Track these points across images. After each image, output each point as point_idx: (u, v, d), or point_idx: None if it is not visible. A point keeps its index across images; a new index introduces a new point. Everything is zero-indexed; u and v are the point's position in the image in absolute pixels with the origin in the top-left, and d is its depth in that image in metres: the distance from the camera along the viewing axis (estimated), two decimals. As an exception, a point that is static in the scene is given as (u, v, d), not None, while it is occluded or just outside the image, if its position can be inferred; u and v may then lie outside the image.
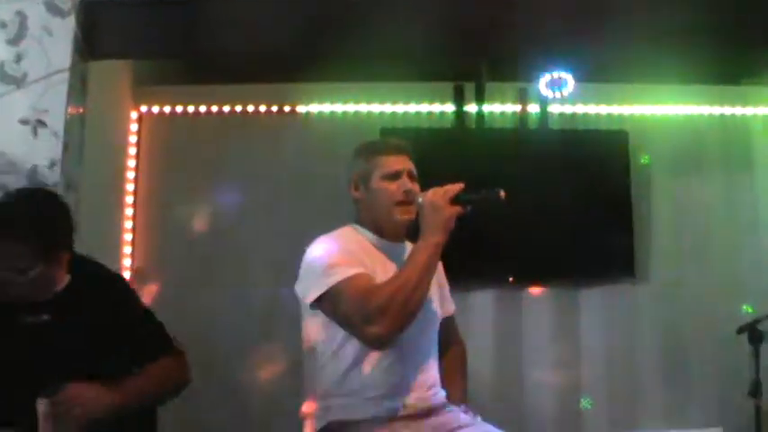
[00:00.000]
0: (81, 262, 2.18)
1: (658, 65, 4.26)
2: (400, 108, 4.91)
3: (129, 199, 4.74)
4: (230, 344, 4.52)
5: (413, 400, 2.17)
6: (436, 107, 4.92)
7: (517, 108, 4.91)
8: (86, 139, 3.40)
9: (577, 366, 4.63)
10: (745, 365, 3.65)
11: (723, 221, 4.76)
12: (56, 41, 3.13)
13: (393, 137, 3.49)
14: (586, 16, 3.48)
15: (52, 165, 3.05)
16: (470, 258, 4.16)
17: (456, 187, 2.12)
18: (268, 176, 4.77)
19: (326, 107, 4.90)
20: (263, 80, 4.77)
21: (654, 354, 4.62)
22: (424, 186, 2.20)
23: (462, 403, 2.33)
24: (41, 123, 3.07)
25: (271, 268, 4.54)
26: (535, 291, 4.72)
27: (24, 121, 3.07)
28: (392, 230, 2.28)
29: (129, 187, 4.75)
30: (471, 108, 4.87)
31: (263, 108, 4.89)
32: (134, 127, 4.84)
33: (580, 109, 4.91)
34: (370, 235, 2.29)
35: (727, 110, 4.92)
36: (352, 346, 2.13)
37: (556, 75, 4.49)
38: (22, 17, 3.13)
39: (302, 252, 2.26)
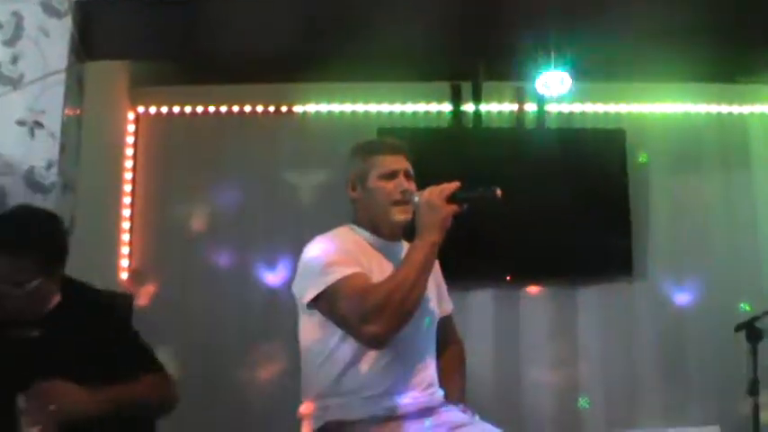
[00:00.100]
0: (71, 284, 2.23)
1: (656, 63, 4.26)
2: (397, 108, 4.91)
3: (127, 199, 4.74)
4: (228, 344, 4.53)
5: (410, 399, 2.16)
6: (433, 107, 4.92)
7: (514, 107, 4.92)
8: (83, 139, 3.40)
9: (575, 365, 4.64)
10: (743, 364, 3.65)
11: (721, 219, 4.77)
12: (52, 42, 3.13)
13: (390, 136, 3.49)
14: (583, 15, 3.48)
15: (49, 166, 3.05)
16: (468, 257, 4.16)
17: (452, 186, 2.12)
18: (265, 176, 4.77)
19: (324, 107, 4.90)
20: (260, 80, 4.76)
21: (651, 352, 4.63)
22: (422, 186, 2.20)
23: (460, 402, 2.33)
24: (38, 124, 3.07)
25: (268, 268, 4.54)
26: (533, 290, 4.73)
27: (21, 123, 3.07)
28: (389, 230, 2.28)
29: (127, 188, 4.75)
30: (468, 107, 4.87)
31: (260, 108, 4.89)
32: (131, 127, 4.85)
33: (577, 108, 4.92)
34: (367, 234, 2.29)
35: (725, 108, 4.93)
36: (349, 346, 2.13)
37: (553, 73, 4.48)
38: (18, 18, 3.13)
39: (299, 252, 2.26)
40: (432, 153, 3.70)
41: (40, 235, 2.10)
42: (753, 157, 4.86)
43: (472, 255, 4.29)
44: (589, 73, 4.59)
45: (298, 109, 4.90)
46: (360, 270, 2.12)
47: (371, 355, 2.13)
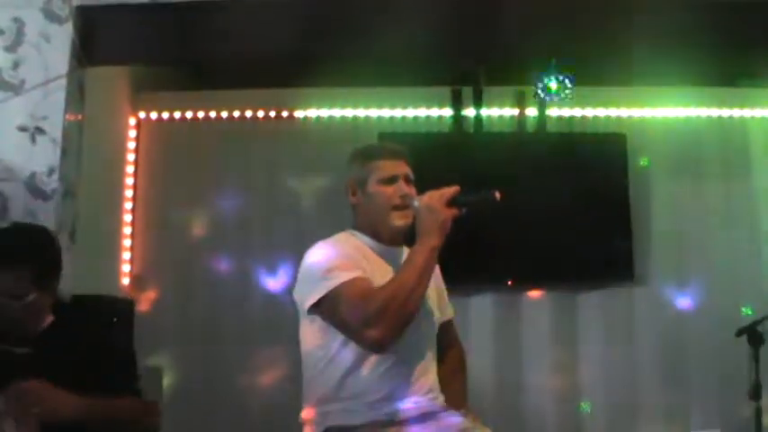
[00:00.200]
0: (64, 306, 2.27)
1: (656, 67, 4.26)
2: (398, 113, 4.92)
3: (128, 205, 4.75)
4: (229, 349, 4.53)
5: (411, 404, 2.16)
6: (434, 111, 4.93)
7: (515, 112, 4.92)
8: (85, 145, 3.40)
9: (576, 370, 4.63)
10: (745, 368, 3.65)
11: (722, 223, 4.76)
12: (53, 48, 3.13)
13: (391, 141, 3.49)
14: (584, 19, 3.48)
15: (51, 171, 3.05)
16: (469, 262, 4.17)
17: (451, 190, 2.12)
18: (266, 182, 4.78)
19: (324, 112, 4.90)
20: (260, 85, 4.78)
21: (653, 356, 4.62)
22: (422, 191, 2.21)
23: (462, 407, 2.33)
24: (40, 130, 3.07)
25: (269, 273, 4.54)
26: (534, 294, 4.72)
27: (23, 128, 3.07)
28: (389, 235, 2.28)
29: (128, 193, 4.76)
30: (469, 112, 4.88)
31: (260, 113, 4.90)
32: (132, 133, 4.85)
33: (578, 112, 4.92)
34: (367, 240, 2.29)
35: (725, 112, 4.93)
36: (350, 351, 2.13)
37: (553, 78, 4.49)
38: (19, 24, 3.13)
39: (300, 257, 2.26)
40: (433, 158, 3.70)
41: (37, 248, 2.15)
42: (753, 160, 4.86)
43: (473, 260, 4.30)
44: (590, 77, 4.59)
45: (298, 114, 4.91)
46: (361, 274, 2.12)
47: (372, 360, 2.13)
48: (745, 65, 4.45)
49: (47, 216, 2.97)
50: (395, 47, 3.65)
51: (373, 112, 4.92)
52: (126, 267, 4.69)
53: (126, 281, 4.68)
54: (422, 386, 2.21)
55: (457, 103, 4.89)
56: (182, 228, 4.73)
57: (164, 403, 4.18)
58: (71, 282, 3.13)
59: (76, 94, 3.28)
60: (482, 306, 4.67)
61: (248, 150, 4.83)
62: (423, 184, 2.24)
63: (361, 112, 4.92)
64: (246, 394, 4.46)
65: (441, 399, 2.28)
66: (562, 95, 4.52)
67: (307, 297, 2.16)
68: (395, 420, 2.13)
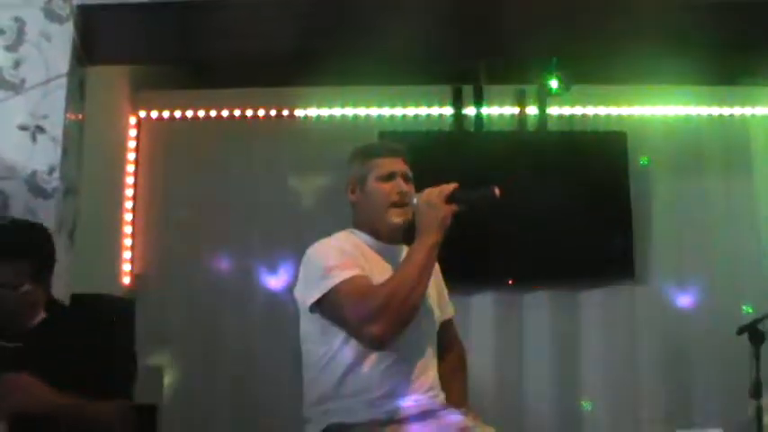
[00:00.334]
0: (56, 305, 2.32)
1: (657, 66, 4.26)
2: (399, 111, 4.92)
3: (129, 204, 4.75)
4: (231, 348, 4.54)
5: (412, 402, 2.17)
6: (435, 110, 4.93)
7: (516, 110, 4.92)
8: (85, 144, 3.40)
9: (577, 368, 4.63)
10: (746, 366, 3.64)
11: (722, 222, 4.76)
12: (54, 47, 3.13)
13: (391, 140, 3.50)
14: (585, 18, 3.48)
15: (51, 170, 3.05)
16: (470, 261, 4.18)
17: (450, 186, 2.14)
18: (267, 180, 4.78)
19: (325, 111, 4.91)
20: (261, 84, 4.77)
21: (654, 355, 4.62)
22: (423, 190, 2.21)
23: (462, 406, 2.33)
24: (40, 129, 3.07)
25: (270, 272, 4.55)
26: (534, 293, 4.72)
27: (23, 127, 3.07)
28: (388, 232, 2.29)
29: (129, 192, 4.76)
30: (470, 111, 4.88)
31: (261, 112, 4.90)
32: (133, 132, 4.85)
33: (578, 110, 4.92)
34: (367, 238, 2.30)
35: (726, 110, 4.93)
36: (351, 349, 2.14)
37: (554, 76, 4.49)
38: (20, 23, 3.13)
39: (301, 255, 2.26)
40: (433, 156, 3.71)
41: (33, 242, 2.24)
42: (754, 159, 4.86)
43: (474, 258, 4.31)
44: (590, 75, 4.60)
45: (299, 113, 4.91)
46: (361, 272, 2.13)
47: (373, 357, 2.14)
48: (745, 63, 4.45)
49: (47, 215, 2.96)
50: (395, 45, 3.65)
51: (374, 111, 4.92)
52: (127, 266, 4.70)
53: (127, 280, 4.68)
54: (422, 384, 2.22)
55: (457, 102, 4.89)
56: (182, 227, 4.72)
57: (164, 402, 4.19)
58: (71, 280, 3.15)
59: (77, 94, 3.28)
60: (482, 305, 4.67)
61: (249, 149, 4.83)
62: (423, 183, 2.25)
63: (361, 111, 4.92)
64: (247, 393, 4.46)
65: (441, 397, 2.29)
66: (562, 94, 4.53)
67: (307, 295, 2.17)
68: (395, 418, 2.13)
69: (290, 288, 2.32)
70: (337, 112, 4.91)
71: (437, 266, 2.30)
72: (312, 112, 4.91)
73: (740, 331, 3.66)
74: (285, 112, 4.91)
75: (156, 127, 4.90)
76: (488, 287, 4.70)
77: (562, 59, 4.41)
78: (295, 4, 3.31)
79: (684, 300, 4.67)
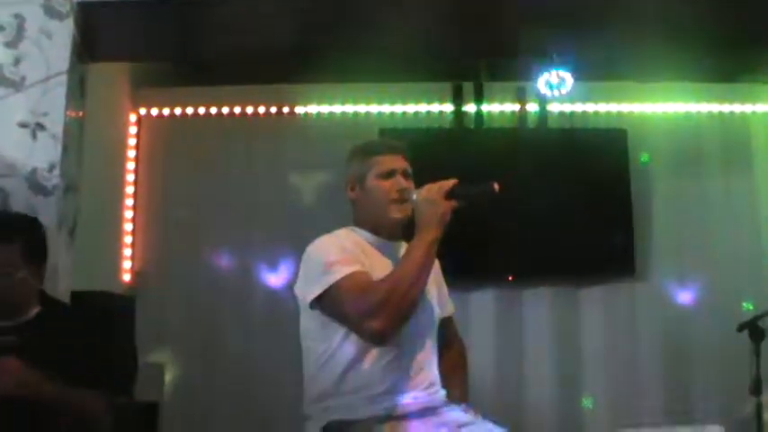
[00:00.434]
0: (51, 301, 2.37)
1: (657, 63, 4.26)
2: (399, 108, 4.92)
3: (129, 201, 4.75)
4: (230, 344, 4.54)
5: (411, 398, 2.17)
6: (435, 107, 4.93)
7: (516, 107, 4.93)
8: (85, 141, 3.40)
9: (578, 365, 4.64)
10: (746, 363, 3.64)
11: (723, 218, 4.76)
12: (54, 44, 3.13)
13: (391, 137, 3.50)
14: (585, 14, 3.47)
15: (52, 168, 3.05)
16: (470, 258, 4.18)
17: (450, 182, 2.14)
18: (267, 177, 4.78)
19: (325, 108, 4.91)
20: (261, 81, 4.78)
21: (654, 352, 4.63)
22: (421, 186, 2.21)
23: (463, 402, 2.33)
24: (40, 126, 3.07)
25: (270, 268, 4.55)
26: (535, 290, 4.72)
27: (23, 125, 3.07)
28: (388, 229, 2.30)
29: (129, 189, 4.76)
30: (470, 108, 4.88)
31: (262, 109, 4.90)
32: (133, 129, 4.85)
33: (579, 107, 4.93)
34: (366, 235, 2.31)
35: (726, 107, 4.94)
36: (351, 345, 2.14)
37: (554, 73, 4.49)
38: (20, 20, 3.13)
39: (301, 252, 2.27)
40: (433, 153, 3.71)
41: (27, 230, 2.32)
42: (755, 156, 4.86)
43: (474, 255, 4.31)
44: (591, 73, 4.59)
45: (299, 110, 4.91)
46: (361, 268, 2.13)
47: (373, 354, 2.14)
48: (745, 60, 4.45)
49: (48, 212, 2.96)
50: (396, 42, 3.65)
51: (374, 108, 4.92)
52: (127, 264, 4.70)
53: (127, 277, 4.68)
54: (422, 380, 2.22)
55: (458, 99, 4.89)
56: (183, 224, 4.73)
57: (165, 399, 4.20)
58: (71, 277, 3.15)
59: (77, 91, 3.28)
60: (483, 301, 4.68)
61: (249, 146, 4.83)
62: (423, 180, 2.25)
63: (361, 108, 4.92)
64: (247, 390, 4.47)
65: (441, 393, 2.29)
66: (563, 91, 4.53)
67: (308, 292, 2.17)
68: (396, 415, 2.13)
69: (289, 285, 2.32)
70: (338, 109, 4.91)
71: (437, 264, 2.30)
72: (312, 109, 4.91)
73: (740, 328, 3.66)
74: (285, 109, 4.91)
75: (156, 124, 4.90)
76: (488, 283, 4.70)
77: (562, 56, 4.40)
78: (295, 2, 3.31)
79: (685, 296, 4.68)
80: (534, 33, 3.67)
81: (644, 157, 4.83)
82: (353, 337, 2.13)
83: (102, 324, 2.51)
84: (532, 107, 4.90)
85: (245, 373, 4.49)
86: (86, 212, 3.43)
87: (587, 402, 4.56)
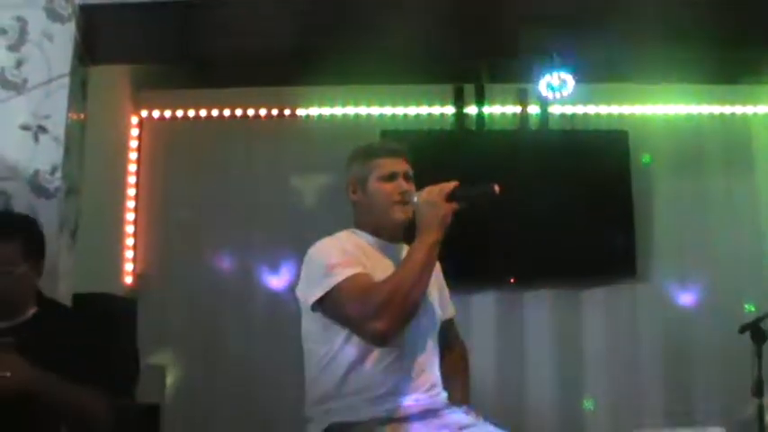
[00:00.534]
0: (48, 300, 2.37)
1: (658, 64, 4.27)
2: (400, 110, 4.92)
3: (131, 203, 4.76)
4: (232, 346, 4.54)
5: (413, 400, 2.17)
6: (436, 109, 4.93)
7: (517, 109, 4.93)
8: (87, 144, 3.41)
9: (579, 366, 4.63)
10: (748, 365, 3.64)
11: (724, 220, 4.76)
12: (56, 47, 3.13)
13: (393, 139, 3.50)
14: (586, 16, 3.48)
15: (54, 170, 3.05)
16: (471, 260, 4.18)
17: (451, 185, 2.14)
18: (269, 179, 4.78)
19: (326, 110, 4.91)
20: (262, 83, 4.78)
21: (656, 353, 4.63)
22: (422, 188, 2.22)
23: (464, 404, 2.33)
24: (42, 129, 3.07)
25: (272, 271, 4.55)
26: (536, 291, 4.72)
27: (25, 127, 3.07)
28: (390, 231, 2.30)
29: (131, 192, 4.76)
30: (471, 110, 4.88)
31: (263, 111, 4.90)
32: (135, 131, 4.86)
33: (580, 109, 4.93)
34: (368, 237, 2.31)
35: (728, 109, 4.94)
36: (353, 348, 2.14)
37: (556, 75, 4.49)
38: (22, 23, 3.13)
39: (303, 255, 2.27)
40: (435, 155, 3.72)
41: (24, 226, 2.35)
42: (756, 157, 4.86)
43: (476, 257, 4.31)
44: (592, 74, 4.60)
45: (301, 112, 4.92)
46: (362, 270, 2.14)
47: (374, 356, 2.14)
48: (746, 62, 4.45)
49: (49, 214, 2.96)
50: (397, 44, 3.65)
51: (375, 110, 4.93)
52: (128, 266, 4.70)
53: (128, 279, 4.68)
54: (424, 382, 2.22)
55: (459, 101, 4.89)
56: (184, 226, 4.73)
57: (166, 402, 4.20)
58: (73, 280, 3.15)
59: (79, 93, 3.28)
60: (484, 303, 4.68)
61: (250, 148, 4.83)
62: (425, 182, 2.25)
63: (363, 110, 4.92)
64: (249, 392, 4.47)
65: (443, 395, 2.29)
66: (564, 93, 4.53)
67: (310, 294, 2.18)
68: (397, 417, 2.13)
69: (291, 287, 2.33)
70: (339, 111, 4.92)
71: (438, 266, 2.31)
72: (314, 111, 4.92)
73: (742, 330, 3.66)
74: (287, 112, 4.91)
75: (157, 126, 4.91)
76: (490, 286, 4.70)
77: (563, 58, 4.40)
78: (296, 4, 3.32)
79: (686, 298, 4.68)
80: (535, 35, 3.67)
81: (645, 159, 4.83)
82: (355, 340, 2.14)
83: (100, 324, 2.52)
84: (534, 109, 4.90)
85: (247, 375, 4.49)
86: (88, 215, 3.44)
87: (588, 404, 4.56)
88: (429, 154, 3.22)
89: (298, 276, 2.28)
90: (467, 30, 3.64)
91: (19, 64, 3.11)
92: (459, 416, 2.24)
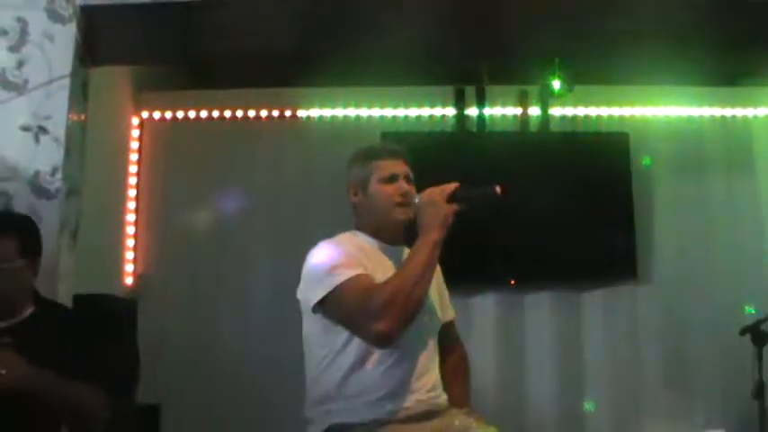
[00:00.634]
0: (45, 300, 2.38)
1: (659, 66, 4.26)
2: (401, 112, 4.92)
3: (132, 204, 4.76)
4: (233, 348, 4.53)
5: (413, 402, 2.17)
6: (437, 111, 4.93)
7: (518, 111, 4.92)
8: (88, 145, 3.41)
9: (579, 369, 4.63)
10: (749, 367, 3.64)
11: (725, 222, 4.76)
12: (57, 48, 3.13)
13: (393, 141, 3.50)
14: (587, 18, 3.48)
15: (54, 171, 3.05)
16: (472, 262, 4.18)
17: (452, 186, 2.15)
18: (269, 181, 4.78)
19: (327, 112, 4.91)
20: (264, 85, 4.78)
21: (656, 356, 4.62)
22: (423, 189, 2.22)
23: (464, 406, 2.33)
24: (43, 130, 3.08)
25: (273, 272, 4.55)
26: (537, 293, 4.72)
27: (26, 128, 3.07)
28: (391, 233, 2.31)
29: (131, 193, 4.76)
30: (472, 111, 4.88)
31: (264, 113, 4.90)
32: (135, 133, 4.86)
33: (581, 111, 4.92)
34: (369, 239, 2.31)
35: (728, 111, 4.93)
36: (353, 349, 2.15)
37: (556, 77, 4.49)
38: (23, 24, 3.13)
39: (303, 257, 2.27)
40: (435, 157, 3.72)
41: (19, 223, 2.37)
42: (756, 159, 4.86)
43: (476, 259, 4.31)
44: (592, 76, 4.60)
45: (301, 113, 4.92)
46: (364, 272, 2.13)
47: (375, 358, 2.14)
48: (747, 64, 4.46)
49: (50, 215, 2.97)
50: (397, 46, 3.65)
51: (376, 112, 4.92)
52: (129, 267, 4.70)
53: (129, 280, 4.68)
54: (424, 384, 2.22)
55: (460, 103, 4.89)
56: (185, 227, 4.73)
57: (166, 403, 4.19)
58: (74, 281, 3.15)
59: (80, 94, 3.28)
60: (484, 306, 4.67)
61: (251, 150, 4.83)
62: (426, 184, 2.25)
63: (363, 112, 4.92)
64: (249, 393, 4.46)
65: (443, 397, 2.29)
66: (565, 95, 4.54)
67: (311, 296, 2.18)
68: (397, 418, 2.13)
69: (291, 289, 2.32)
70: (339, 112, 4.92)
71: (438, 269, 2.31)
72: (314, 112, 4.91)
73: (743, 332, 3.66)
74: (287, 113, 4.91)
75: (158, 127, 4.91)
76: (490, 288, 4.70)
77: (564, 60, 4.40)
78: (297, 5, 3.32)
79: (686, 300, 4.67)
80: (535, 37, 3.67)
81: (646, 161, 4.82)
82: (355, 341, 2.14)
83: (100, 325, 2.52)
84: (534, 111, 4.90)
85: (247, 376, 4.48)
86: (89, 216, 3.44)
87: (589, 406, 4.55)
88: (430, 156, 3.22)
89: (298, 278, 2.28)
90: (467, 31, 3.64)
91: (20, 65, 3.11)
92: (460, 417, 2.24)
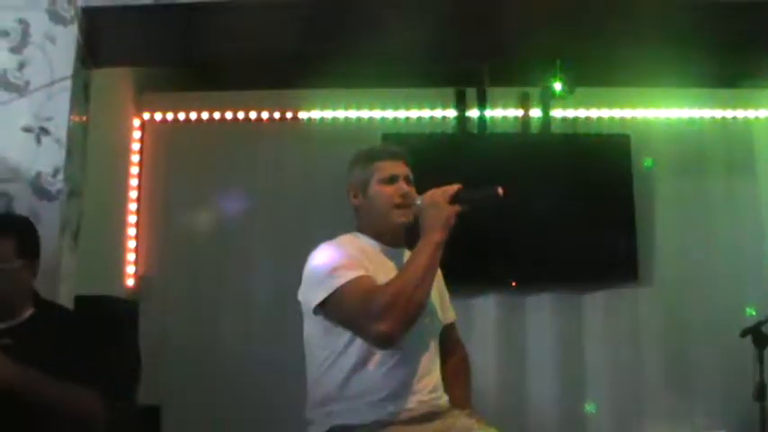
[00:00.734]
0: (44, 302, 2.37)
1: (660, 68, 4.26)
2: (402, 114, 4.93)
3: (133, 206, 4.76)
4: (234, 350, 4.54)
5: (414, 403, 2.17)
6: (438, 112, 4.93)
7: (519, 113, 4.93)
8: (89, 146, 3.41)
9: (580, 370, 4.63)
10: (750, 369, 3.64)
11: (726, 224, 4.76)
12: (58, 49, 3.13)
13: (394, 143, 3.51)
14: (587, 20, 3.48)
15: (56, 172, 3.05)
16: (473, 263, 4.18)
17: (454, 187, 2.15)
18: (270, 182, 4.79)
19: (328, 113, 4.91)
20: (265, 86, 4.78)
21: (657, 357, 4.62)
22: (424, 191, 2.22)
23: (466, 407, 2.33)
24: (44, 131, 3.08)
25: (274, 273, 4.55)
26: (538, 295, 4.72)
27: (27, 129, 3.07)
28: (391, 235, 2.31)
29: (133, 194, 4.77)
30: (473, 113, 4.88)
31: (265, 114, 4.91)
32: (137, 134, 4.86)
33: (582, 113, 4.93)
34: (370, 241, 2.31)
35: (729, 113, 4.94)
36: (354, 351, 2.15)
37: (557, 78, 4.50)
38: (24, 25, 3.14)
39: (305, 258, 2.27)
40: (436, 159, 3.72)
41: (17, 224, 2.38)
42: (757, 161, 4.86)
43: (477, 261, 4.31)
44: (594, 78, 4.60)
45: (302, 115, 4.92)
46: (365, 273, 2.13)
47: (376, 359, 2.14)
48: (747, 66, 4.45)
49: (51, 217, 2.97)
50: (398, 48, 3.65)
51: (377, 113, 4.93)
52: (130, 268, 4.70)
53: (131, 282, 4.69)
54: (425, 385, 2.22)
55: (461, 104, 4.89)
56: (186, 229, 4.74)
57: (167, 404, 4.19)
58: (75, 282, 3.15)
59: (81, 96, 3.29)
60: (486, 307, 4.67)
61: (252, 151, 4.84)
62: (427, 186, 2.25)
63: (364, 114, 4.93)
64: (250, 394, 4.46)
65: (444, 398, 2.29)
66: (566, 97, 4.53)
67: (312, 297, 2.18)
68: (398, 420, 2.13)
69: (293, 290, 2.32)
70: (341, 114, 4.92)
71: (439, 271, 2.30)
72: (315, 114, 4.92)
73: (744, 334, 3.67)
74: (289, 115, 4.92)
75: (159, 129, 4.91)
76: (491, 289, 4.70)
77: (565, 62, 4.41)
78: (298, 7, 3.32)
79: (687, 302, 4.67)
80: (536, 39, 3.67)
81: (647, 163, 4.83)
82: (357, 342, 2.14)
83: (101, 326, 2.51)
84: (536, 113, 4.90)
85: (248, 377, 4.48)
86: (90, 217, 3.44)
87: (590, 408, 4.55)
88: (431, 157, 3.22)
89: (299, 279, 2.29)
90: (468, 33, 3.64)
91: (21, 66, 3.12)
92: (461, 419, 2.24)
